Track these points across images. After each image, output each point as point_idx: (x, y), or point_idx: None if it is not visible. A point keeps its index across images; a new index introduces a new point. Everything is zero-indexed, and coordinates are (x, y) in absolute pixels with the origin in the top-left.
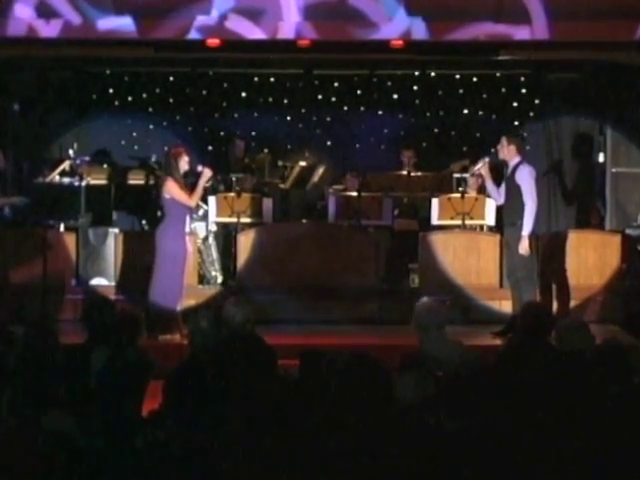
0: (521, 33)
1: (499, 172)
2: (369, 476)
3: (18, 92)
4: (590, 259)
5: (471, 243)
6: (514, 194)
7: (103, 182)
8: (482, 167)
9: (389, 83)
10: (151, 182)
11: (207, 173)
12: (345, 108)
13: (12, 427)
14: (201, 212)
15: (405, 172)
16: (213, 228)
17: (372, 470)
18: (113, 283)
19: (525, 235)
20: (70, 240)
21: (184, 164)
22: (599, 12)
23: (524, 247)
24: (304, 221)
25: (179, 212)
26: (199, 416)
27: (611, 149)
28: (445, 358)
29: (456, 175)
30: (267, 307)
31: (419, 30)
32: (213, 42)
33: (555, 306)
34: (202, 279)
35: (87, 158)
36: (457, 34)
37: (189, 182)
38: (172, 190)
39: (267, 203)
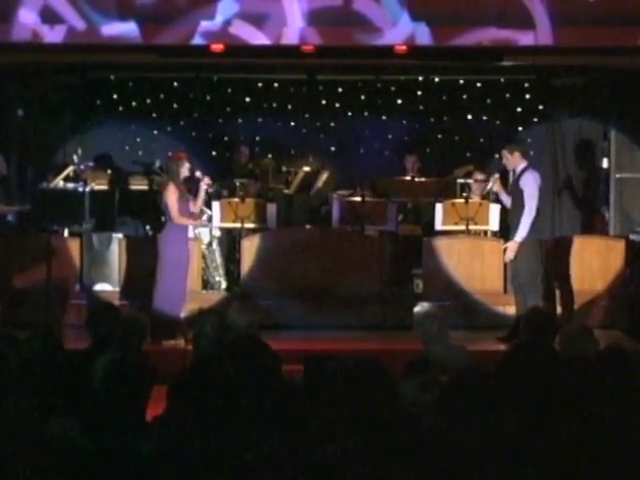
0: (525, 38)
1: (508, 180)
2: None
3: (22, 97)
4: (594, 264)
5: (475, 248)
6: (518, 199)
7: (107, 187)
8: (494, 184)
9: (393, 88)
10: (154, 187)
11: (204, 185)
12: (349, 113)
13: (16, 432)
14: (205, 217)
15: (409, 177)
16: (217, 233)
17: (375, 475)
18: (117, 288)
19: (517, 241)
20: (74, 245)
21: (185, 170)
22: (603, 18)
23: (510, 253)
24: (308, 226)
25: None
26: (203, 421)
27: (615, 154)
28: (449, 363)
29: (460, 180)
30: (271, 312)
31: (423, 35)
32: (217, 47)
33: (559, 311)
34: (206, 284)
35: (91, 163)
36: (461, 39)
37: (193, 187)
38: (168, 197)
39: (271, 208)
